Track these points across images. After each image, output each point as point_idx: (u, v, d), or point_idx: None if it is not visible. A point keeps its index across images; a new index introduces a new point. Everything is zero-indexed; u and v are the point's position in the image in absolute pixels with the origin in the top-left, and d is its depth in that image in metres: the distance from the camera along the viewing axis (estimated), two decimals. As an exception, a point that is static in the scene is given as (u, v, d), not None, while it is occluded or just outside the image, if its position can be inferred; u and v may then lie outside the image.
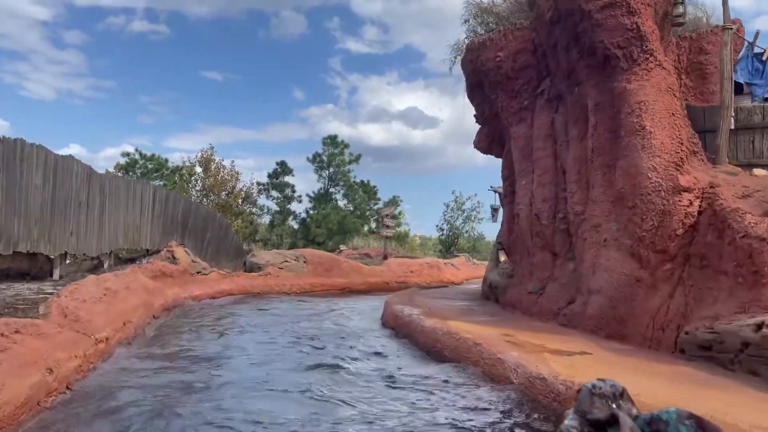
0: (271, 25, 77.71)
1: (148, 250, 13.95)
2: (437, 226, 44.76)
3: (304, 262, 18.44)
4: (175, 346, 8.00)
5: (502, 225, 13.64)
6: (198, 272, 14.47)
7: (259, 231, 41.84)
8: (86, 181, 10.22)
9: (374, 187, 42.43)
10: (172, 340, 8.54)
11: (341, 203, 43.41)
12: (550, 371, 5.90)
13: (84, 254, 10.56)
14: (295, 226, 44.04)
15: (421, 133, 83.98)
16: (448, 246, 44.58)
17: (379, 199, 42.84)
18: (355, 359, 7.76)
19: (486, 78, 11.54)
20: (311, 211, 42.88)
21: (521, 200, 10.95)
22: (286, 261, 17.93)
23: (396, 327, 10.62)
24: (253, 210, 42.52)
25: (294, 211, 44.05)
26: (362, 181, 42.54)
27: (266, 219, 43.92)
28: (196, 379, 6.21)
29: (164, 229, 14.19)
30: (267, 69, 76.64)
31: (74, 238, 9.72)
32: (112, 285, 9.10)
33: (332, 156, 43.23)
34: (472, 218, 44.74)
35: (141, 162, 36.17)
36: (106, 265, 12.24)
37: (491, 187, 35.42)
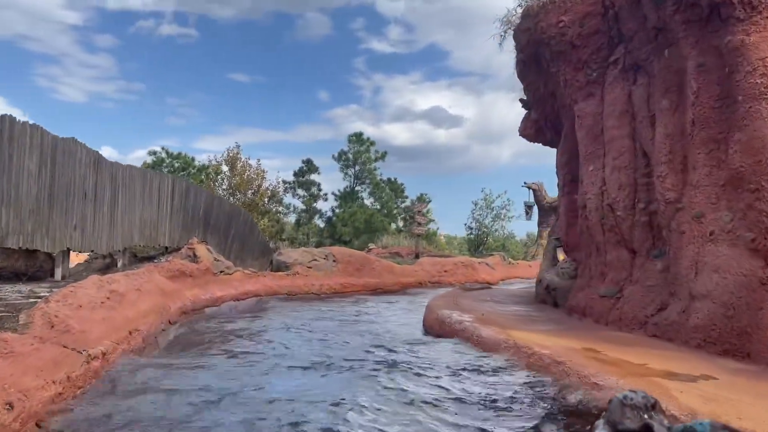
0: (296, 27, 77.12)
1: (167, 248, 12.60)
2: (465, 224, 43.08)
3: (334, 260, 16.97)
4: (191, 362, 6.55)
5: (557, 219, 11.99)
6: (221, 272, 13.09)
7: (285, 230, 40.67)
8: (93, 168, 8.89)
9: (401, 184, 40.95)
10: (188, 353, 7.10)
11: (367, 201, 42.01)
12: (682, 408, 4.29)
13: (92, 251, 9.21)
14: (321, 225, 42.79)
15: (445, 132, 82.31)
16: (477, 245, 42.84)
17: (406, 197, 41.31)
18: (419, 378, 6.23)
19: (546, 48, 9.92)
20: (337, 210, 41.57)
21: (589, 189, 9.30)
22: (315, 260, 16.48)
23: (443, 334, 9.09)
24: (279, 209, 41.42)
25: (320, 210, 42.79)
26: (389, 179, 41.08)
27: (292, 218, 42.75)
28: (223, 409, 4.73)
29: (184, 224, 12.83)
30: (292, 70, 76.40)
31: (78, 233, 8.37)
32: (120, 287, 7.69)
33: (358, 153, 41.85)
34: (502, 216, 43.01)
35: (168, 160, 35.27)
36: (120, 264, 10.91)
37: (525, 183, 33.70)
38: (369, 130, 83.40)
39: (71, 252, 8.95)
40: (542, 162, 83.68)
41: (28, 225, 7.36)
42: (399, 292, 17.72)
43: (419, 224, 22.50)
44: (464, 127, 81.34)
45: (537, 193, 32.09)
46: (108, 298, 7.00)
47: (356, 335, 8.70)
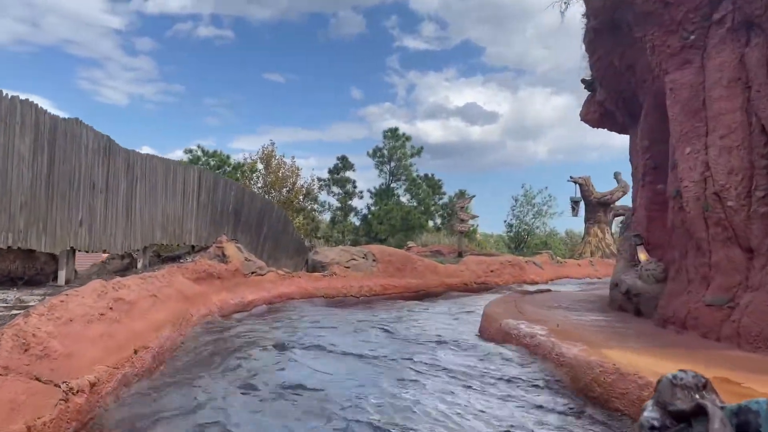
0: (330, 26, 76.57)
1: (193, 247, 11.35)
2: (505, 221, 41.29)
3: (374, 260, 15.54)
4: (209, 388, 5.18)
5: (634, 212, 10.30)
6: (252, 272, 11.78)
7: (320, 228, 39.54)
8: (103, 155, 7.63)
9: (439, 180, 39.39)
10: (210, 371, 5.75)
11: (403, 198, 40.56)
12: None
13: (104, 251, 7.97)
14: (357, 223, 41.53)
15: (479, 128, 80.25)
16: (518, 243, 40.95)
17: (444, 194, 39.74)
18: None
19: (629, 9, 8.29)
20: (372, 207, 40.24)
21: (686, 175, 7.62)
22: (354, 259, 15.07)
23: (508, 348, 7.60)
24: (314, 206, 40.33)
25: (355, 207, 41.53)
26: (426, 175, 39.53)
27: (327, 216, 41.60)
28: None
29: (212, 221, 11.57)
30: (326, 69, 76.16)
31: (85, 229, 7.13)
32: (129, 293, 6.38)
33: (393, 149, 40.45)
34: (543, 213, 41.04)
35: (204, 159, 34.51)
36: (140, 265, 9.68)
37: (570, 177, 31.72)
38: (403, 128, 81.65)
39: (82, 252, 7.72)
40: (581, 158, 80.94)
41: (20, 220, 6.13)
42: (443, 294, 16.20)
43: (462, 221, 20.90)
44: (499, 124, 79.17)
45: (583, 187, 30.13)
46: (111, 308, 5.68)
47: (408, 365, 7.24)
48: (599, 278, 25.63)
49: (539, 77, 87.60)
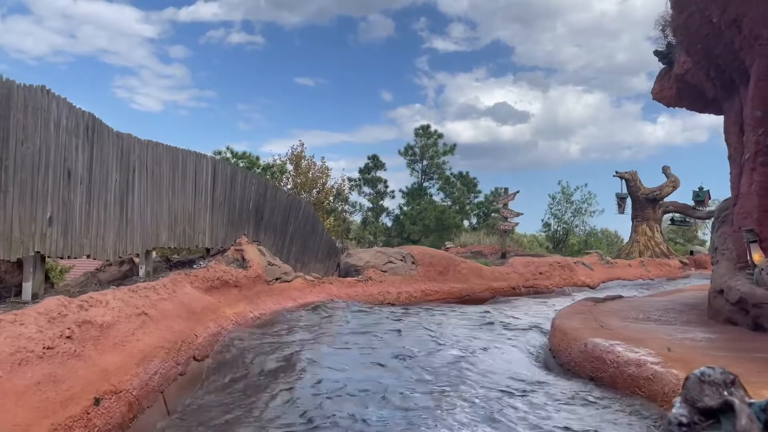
0: (359, 30, 75.51)
1: (208, 250, 9.71)
2: (542, 220, 38.96)
3: (413, 262, 13.71)
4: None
5: (737, 202, 8.25)
6: (277, 279, 10.08)
7: (351, 229, 37.94)
8: (84, 137, 5.94)
9: (474, 178, 37.24)
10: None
11: (437, 198, 38.59)
12: None
13: (88, 256, 6.31)
14: (389, 224, 39.76)
15: (510, 128, 77.64)
16: (557, 243, 38.58)
17: (479, 192, 37.60)
18: None
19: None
20: (405, 207, 38.37)
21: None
22: (391, 262, 13.27)
23: (602, 379, 5.72)
24: (345, 207, 38.77)
25: (387, 208, 39.73)
26: (460, 173, 37.45)
27: (358, 217, 39.99)
28: None
29: (230, 220, 9.89)
30: (356, 72, 75.19)
31: (57, 229, 5.46)
32: (103, 313, 4.67)
33: (425, 147, 38.48)
34: (583, 211, 38.55)
35: (233, 160, 33.20)
36: (142, 272, 8.03)
37: (616, 172, 29.34)
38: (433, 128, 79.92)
39: (53, 257, 6.07)
40: (615, 156, 77.83)
41: (-42, 217, 4.54)
42: (490, 299, 14.27)
43: (505, 219, 18.91)
44: (530, 123, 76.37)
45: (630, 183, 27.76)
46: (68, 336, 3.98)
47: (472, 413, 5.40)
48: (651, 279, 23.34)
49: (570, 75, 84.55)
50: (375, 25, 76.57)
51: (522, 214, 19.04)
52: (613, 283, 20.50)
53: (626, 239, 33.03)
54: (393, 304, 12.17)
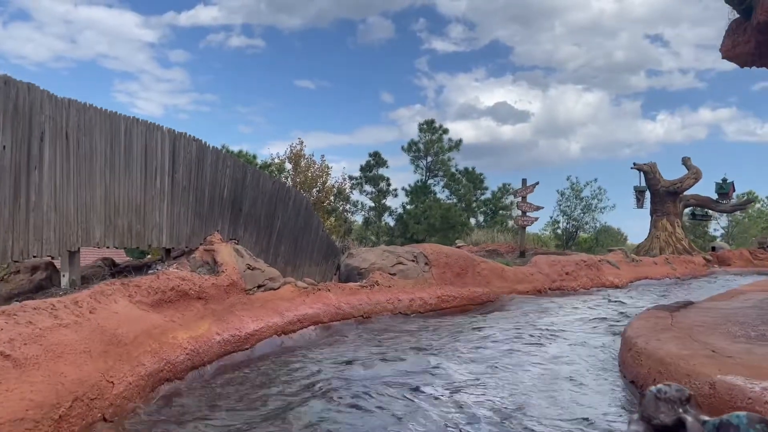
0: (358, 32, 73.62)
1: (168, 251, 7.30)
2: (551, 217, 36.56)
3: (426, 263, 11.29)
4: None
5: None
6: (259, 286, 7.67)
7: (353, 229, 35.61)
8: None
9: (480, 174, 34.85)
10: None
11: (441, 196, 36.21)
12: None
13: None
14: (391, 224, 37.38)
15: (511, 128, 75.41)
16: (566, 240, 36.19)
17: (486, 189, 35.22)
18: None
19: None
20: (408, 206, 36.00)
21: None
22: (401, 263, 10.85)
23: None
24: (347, 207, 36.43)
25: (390, 207, 37.36)
26: (466, 169, 35.04)
27: (359, 218, 37.64)
28: None
29: (197, 212, 7.48)
30: (356, 74, 73.46)
31: None
32: None
33: (430, 143, 36.12)
34: (593, 207, 36.15)
35: (228, 159, 30.82)
36: (65, 281, 5.61)
37: (634, 164, 26.87)
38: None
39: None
40: (615, 154, 75.68)
41: None
42: (516, 305, 11.83)
43: (524, 213, 16.49)
44: (530, 122, 74.09)
45: (649, 175, 25.32)
46: None
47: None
48: (679, 278, 20.91)
49: (569, 74, 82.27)
50: (374, 27, 74.60)
51: (543, 207, 16.64)
52: (642, 283, 18.10)
53: (629, 237, 30.70)
54: (405, 314, 9.75)
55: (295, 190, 9.39)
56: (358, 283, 9.83)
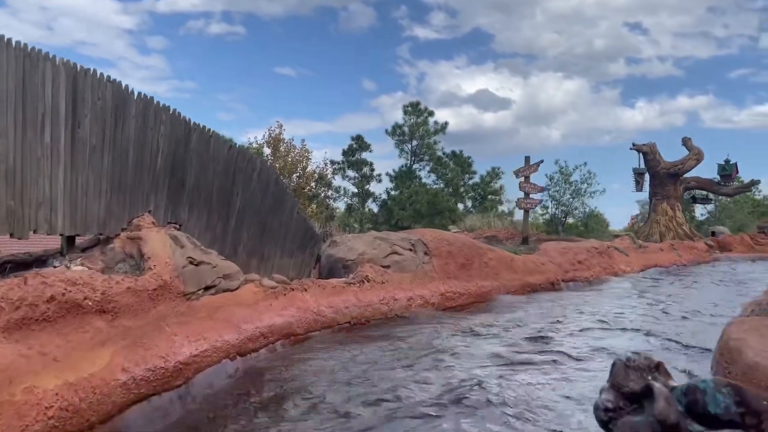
0: (340, 19, 71.02)
1: (72, 239, 4.96)
2: (540, 202, 34.60)
3: (425, 253, 9.09)
4: None
5: None
6: (207, 288, 5.40)
7: (336, 216, 33.34)
8: None
9: (468, 158, 32.70)
10: None
11: (427, 181, 34.05)
12: None
13: None
14: (375, 210, 35.18)
15: (492, 115, 73.46)
16: (555, 226, 34.30)
17: (474, 173, 33.07)
18: None
19: None
20: (393, 192, 33.79)
21: None
22: (395, 253, 8.64)
23: None
24: (329, 193, 34.08)
25: (373, 193, 35.11)
26: (453, 152, 32.83)
27: (342, 205, 35.35)
28: None
29: (117, 184, 5.14)
30: (337, 62, 71.17)
31: None
32: None
33: (415, 126, 33.83)
34: (582, 192, 34.26)
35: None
36: None
37: (633, 145, 24.95)
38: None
39: None
40: (594, 141, 74.55)
41: None
42: (530, 301, 9.71)
43: (527, 195, 14.38)
44: (512, 110, 72.17)
45: (649, 156, 23.40)
46: None
47: None
48: (685, 265, 19.06)
49: (550, 62, 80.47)
50: (356, 14, 72.12)
51: (547, 189, 14.52)
52: (652, 271, 16.18)
53: (612, 224, 29.04)
54: (404, 317, 7.54)
55: (261, 159, 7.04)
56: (344, 278, 7.57)
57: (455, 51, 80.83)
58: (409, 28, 75.62)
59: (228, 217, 6.54)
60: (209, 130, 6.14)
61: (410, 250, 8.94)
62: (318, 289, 6.72)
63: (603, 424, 1.43)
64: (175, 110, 5.69)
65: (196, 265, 5.40)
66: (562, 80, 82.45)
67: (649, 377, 1.52)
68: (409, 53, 75.04)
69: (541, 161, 14.39)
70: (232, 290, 5.77)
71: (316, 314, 6.31)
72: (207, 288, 5.44)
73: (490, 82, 76.32)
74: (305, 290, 6.50)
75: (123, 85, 5.22)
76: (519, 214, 30.62)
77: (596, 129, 79.84)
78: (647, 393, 1.47)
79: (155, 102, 5.52)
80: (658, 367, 1.55)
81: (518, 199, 14.61)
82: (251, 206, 6.87)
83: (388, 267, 8.33)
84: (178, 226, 5.87)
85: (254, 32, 71.55)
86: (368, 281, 7.62)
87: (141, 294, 4.45)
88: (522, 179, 14.53)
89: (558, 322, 7.17)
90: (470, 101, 72.40)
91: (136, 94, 5.34)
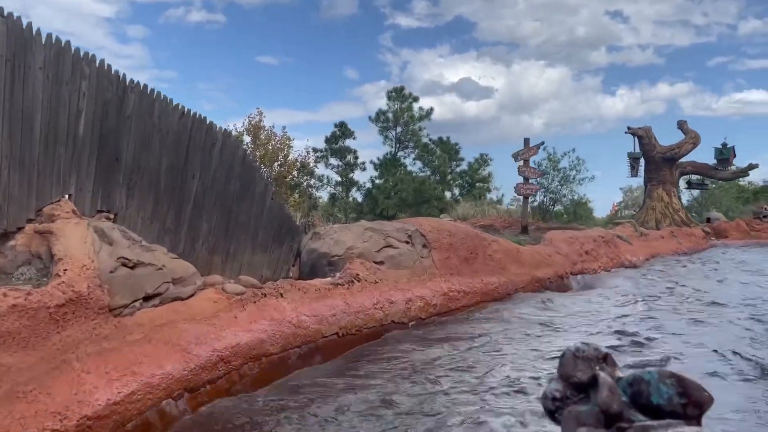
0: (322, 7, 69.03)
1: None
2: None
3: (424, 246, 7.73)
4: None
5: None
6: (148, 297, 3.96)
7: (319, 206, 31.86)
8: None
9: (455, 144, 31.29)
10: None
11: (413, 168, 32.67)
12: None
13: None
14: (360, 199, 33.78)
15: (475, 104, 72.17)
16: (543, 214, 33.24)
17: (462, 160, 31.70)
18: None
19: None
20: (377, 180, 32.38)
21: None
22: (390, 246, 7.27)
23: None
24: (311, 182, 32.53)
25: (358, 182, 33.67)
26: (440, 139, 31.40)
27: (324, 194, 33.89)
28: None
29: (17, 160, 3.64)
30: (319, 50, 69.37)
31: None
32: None
33: (399, 112, 32.33)
34: (571, 179, 33.20)
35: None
36: None
37: (629, 128, 23.87)
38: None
39: None
40: (576, 130, 74.08)
41: None
42: (543, 299, 8.43)
43: (526, 180, 13.11)
44: (494, 99, 71.00)
45: (644, 140, 22.30)
46: None
47: None
48: (685, 253, 18.04)
49: (532, 50, 79.37)
50: (337, 2, 70.30)
51: (547, 173, 13.34)
52: (656, 260, 15.09)
53: (595, 211, 27.98)
54: (403, 324, 6.20)
55: (225, 131, 5.60)
56: (330, 278, 6.19)
57: (438, 39, 79.36)
58: (392, 16, 73.95)
59: (182, 204, 5.09)
60: (153, 90, 4.67)
61: (407, 242, 7.57)
62: (297, 293, 5.33)
63: (550, 413, 1.31)
64: (103, 61, 4.22)
65: (132, 267, 3.98)
66: (544, 68, 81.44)
67: (597, 367, 1.36)
68: (392, 41, 73.47)
69: (542, 143, 13.17)
70: (183, 299, 4.36)
71: (296, 326, 4.92)
72: (148, 298, 4.03)
73: (473, 71, 74.98)
74: (281, 295, 5.11)
75: (24, 24, 3.75)
76: (508, 202, 29.51)
77: (577, 117, 79.17)
78: (594, 382, 1.33)
79: (73, 49, 4.05)
80: (605, 359, 1.40)
81: (517, 185, 13.31)
82: (212, 191, 5.43)
83: (381, 263, 6.97)
84: (112, 216, 4.43)
85: (235, 20, 69.48)
86: (359, 281, 6.25)
87: (36, 314, 3.03)
88: (521, 163, 13.24)
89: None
90: (453, 90, 71.11)
91: (45, 36, 3.87)
